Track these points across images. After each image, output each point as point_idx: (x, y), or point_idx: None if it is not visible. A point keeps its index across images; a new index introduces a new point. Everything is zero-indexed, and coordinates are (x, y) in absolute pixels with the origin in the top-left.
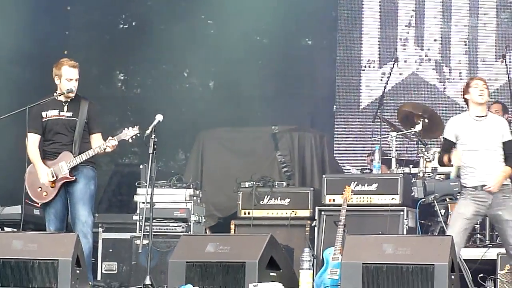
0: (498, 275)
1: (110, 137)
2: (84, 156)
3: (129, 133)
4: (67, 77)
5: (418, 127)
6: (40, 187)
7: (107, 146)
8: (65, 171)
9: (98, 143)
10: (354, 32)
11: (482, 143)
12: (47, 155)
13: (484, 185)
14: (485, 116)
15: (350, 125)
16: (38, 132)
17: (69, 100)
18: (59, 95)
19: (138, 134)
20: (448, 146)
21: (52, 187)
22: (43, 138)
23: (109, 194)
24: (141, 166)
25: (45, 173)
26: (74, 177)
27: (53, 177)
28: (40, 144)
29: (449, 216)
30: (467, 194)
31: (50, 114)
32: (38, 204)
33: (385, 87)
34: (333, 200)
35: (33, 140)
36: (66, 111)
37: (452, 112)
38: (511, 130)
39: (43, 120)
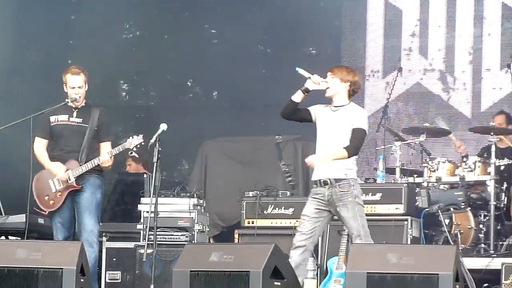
0: (503, 284)
1: (108, 151)
2: (89, 165)
3: (133, 142)
4: (70, 85)
5: (423, 137)
6: (48, 195)
7: (101, 160)
8: (71, 179)
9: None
10: (358, 42)
11: (329, 135)
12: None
13: (320, 181)
14: (342, 106)
15: None
16: (45, 136)
17: (79, 106)
18: (67, 103)
19: (143, 143)
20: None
21: (59, 195)
22: (51, 143)
23: (113, 203)
24: (145, 175)
25: (58, 167)
26: (81, 186)
27: (63, 169)
28: (48, 149)
29: (453, 226)
30: (311, 191)
31: (60, 118)
32: (45, 212)
33: (389, 97)
34: None
35: (40, 144)
36: (76, 117)
37: (457, 121)
38: None
39: (51, 124)
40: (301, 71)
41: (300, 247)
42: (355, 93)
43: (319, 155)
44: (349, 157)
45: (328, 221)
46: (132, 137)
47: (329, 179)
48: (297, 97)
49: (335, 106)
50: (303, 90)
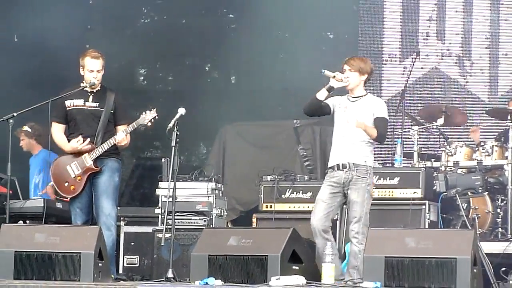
0: None
1: (124, 128)
2: (106, 146)
3: (147, 117)
4: (88, 68)
5: (440, 121)
6: (67, 181)
7: (116, 140)
8: (89, 162)
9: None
10: (375, 26)
11: (346, 122)
12: None
13: (338, 165)
14: (360, 97)
15: None
16: (62, 121)
17: (94, 90)
18: (85, 87)
19: (156, 117)
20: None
21: (79, 179)
22: (67, 127)
23: (131, 188)
24: (163, 160)
25: (75, 142)
26: (100, 168)
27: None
28: (66, 134)
29: (471, 210)
30: (326, 176)
31: (75, 103)
32: (67, 198)
33: (406, 81)
34: None
35: (57, 129)
36: (92, 101)
37: (474, 106)
38: None
39: (67, 108)
40: (326, 72)
41: None
42: (369, 80)
43: (357, 122)
44: (376, 138)
45: (341, 205)
46: (145, 113)
47: (348, 163)
48: (322, 95)
49: (353, 97)
50: (328, 89)
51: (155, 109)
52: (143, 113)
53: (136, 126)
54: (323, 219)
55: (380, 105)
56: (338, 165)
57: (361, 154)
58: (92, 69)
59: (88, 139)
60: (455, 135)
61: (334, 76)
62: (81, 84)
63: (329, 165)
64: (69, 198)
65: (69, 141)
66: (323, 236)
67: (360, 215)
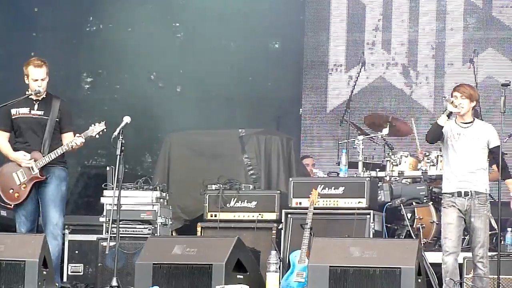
0: (465, 279)
1: (77, 134)
2: (53, 155)
3: (95, 129)
4: (32, 77)
5: (385, 131)
6: (12, 188)
7: (74, 143)
8: (35, 171)
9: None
10: (321, 36)
11: (463, 149)
12: None
13: (460, 192)
14: (470, 122)
15: (317, 129)
16: (7, 129)
17: (40, 98)
18: (30, 95)
19: (105, 130)
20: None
21: (23, 187)
22: (12, 136)
23: (76, 196)
24: (107, 168)
25: (22, 155)
26: (45, 177)
27: (27, 156)
28: (11, 142)
29: (416, 220)
30: (445, 201)
31: (21, 111)
32: (11, 206)
33: (352, 91)
34: (300, 203)
35: (2, 137)
36: (37, 110)
37: (419, 116)
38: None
39: (12, 117)
40: (448, 98)
41: (454, 253)
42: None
43: None
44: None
45: (463, 229)
46: (94, 125)
47: (470, 191)
48: (443, 121)
49: (464, 123)
50: (447, 115)
51: (104, 122)
52: (92, 125)
53: (84, 138)
54: (456, 242)
55: (495, 133)
56: (459, 192)
57: (482, 182)
58: (36, 78)
59: (32, 160)
60: (400, 145)
61: (452, 102)
62: (27, 92)
63: (447, 190)
64: (13, 205)
65: (14, 149)
66: (456, 259)
67: (484, 241)
